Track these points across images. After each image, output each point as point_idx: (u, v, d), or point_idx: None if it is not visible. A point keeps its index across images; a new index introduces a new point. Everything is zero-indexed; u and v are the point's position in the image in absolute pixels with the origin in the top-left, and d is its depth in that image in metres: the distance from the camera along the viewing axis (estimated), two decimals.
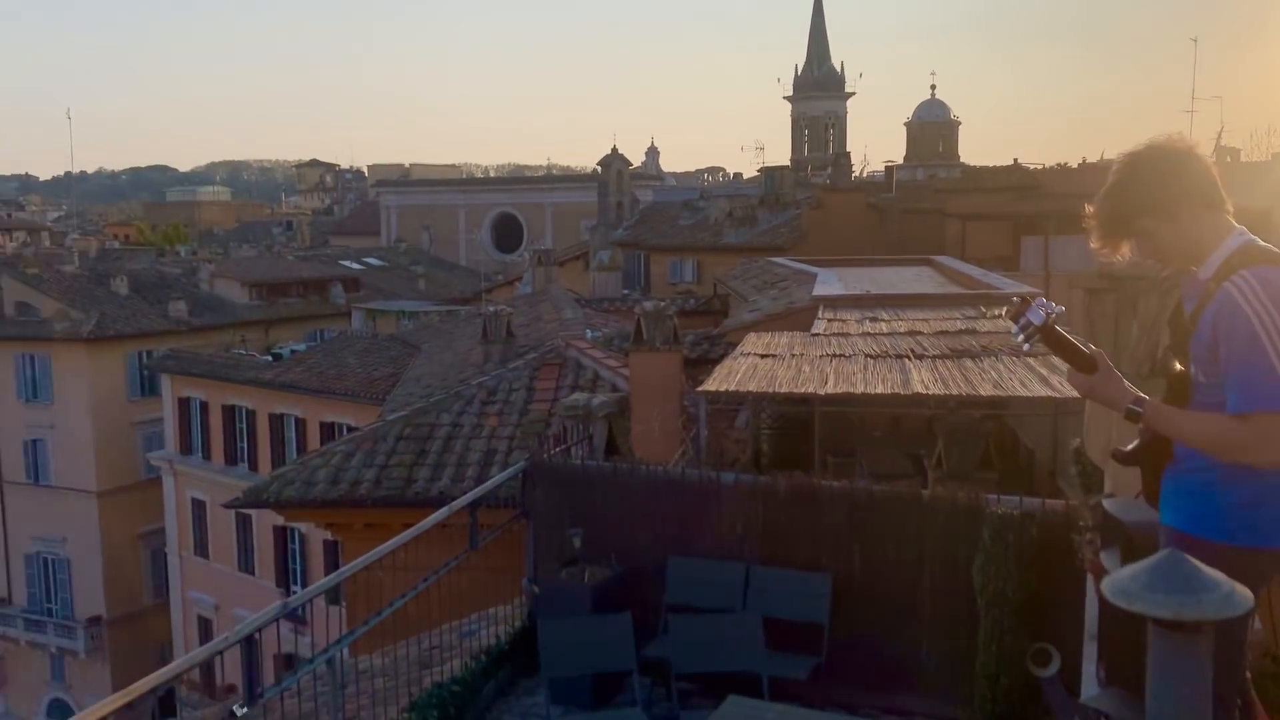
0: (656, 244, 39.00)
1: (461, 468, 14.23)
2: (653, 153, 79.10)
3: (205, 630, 34.06)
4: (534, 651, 7.09)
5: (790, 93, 79.65)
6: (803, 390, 8.41)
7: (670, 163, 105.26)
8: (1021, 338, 2.90)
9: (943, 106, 62.40)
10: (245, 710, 4.53)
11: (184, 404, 33.95)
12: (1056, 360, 4.50)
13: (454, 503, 6.92)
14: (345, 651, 6.04)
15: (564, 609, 6.77)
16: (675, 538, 7.06)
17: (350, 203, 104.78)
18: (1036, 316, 2.85)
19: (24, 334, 37.97)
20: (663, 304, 13.67)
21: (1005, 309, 2.97)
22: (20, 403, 38.30)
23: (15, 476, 38.88)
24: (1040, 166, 35.20)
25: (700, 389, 8.94)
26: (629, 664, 6.34)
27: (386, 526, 13.69)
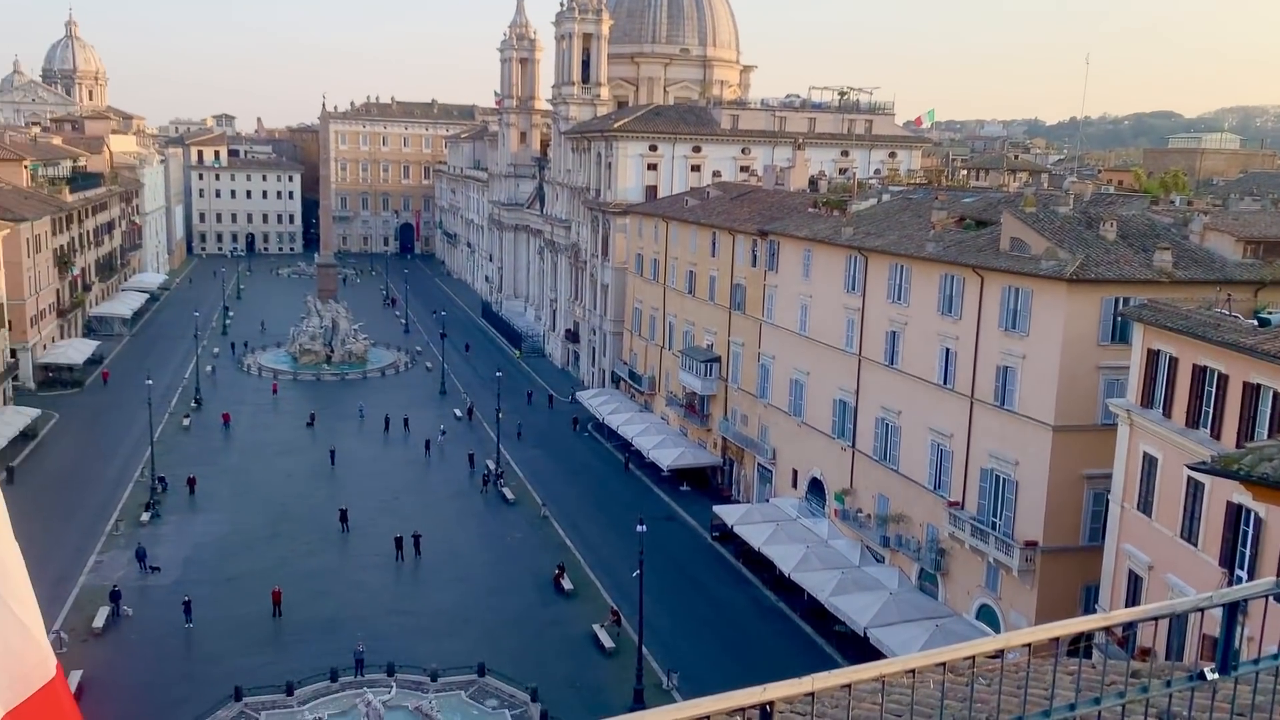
0: None
1: None
2: None
3: (1133, 586, 33.66)
4: None
5: None
6: None
7: None
8: None
9: None
10: (1217, 676, 4.24)
11: (1152, 356, 33.27)
12: None
13: None
14: None
15: None
16: None
17: None
18: None
19: (1013, 267, 41.09)
20: None
21: None
22: (1000, 330, 41.83)
23: (984, 396, 42.88)
24: None
25: None
26: None
27: None
